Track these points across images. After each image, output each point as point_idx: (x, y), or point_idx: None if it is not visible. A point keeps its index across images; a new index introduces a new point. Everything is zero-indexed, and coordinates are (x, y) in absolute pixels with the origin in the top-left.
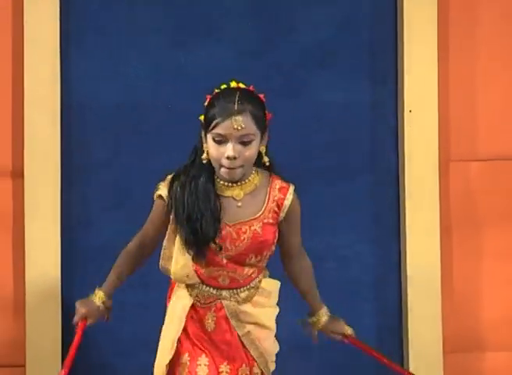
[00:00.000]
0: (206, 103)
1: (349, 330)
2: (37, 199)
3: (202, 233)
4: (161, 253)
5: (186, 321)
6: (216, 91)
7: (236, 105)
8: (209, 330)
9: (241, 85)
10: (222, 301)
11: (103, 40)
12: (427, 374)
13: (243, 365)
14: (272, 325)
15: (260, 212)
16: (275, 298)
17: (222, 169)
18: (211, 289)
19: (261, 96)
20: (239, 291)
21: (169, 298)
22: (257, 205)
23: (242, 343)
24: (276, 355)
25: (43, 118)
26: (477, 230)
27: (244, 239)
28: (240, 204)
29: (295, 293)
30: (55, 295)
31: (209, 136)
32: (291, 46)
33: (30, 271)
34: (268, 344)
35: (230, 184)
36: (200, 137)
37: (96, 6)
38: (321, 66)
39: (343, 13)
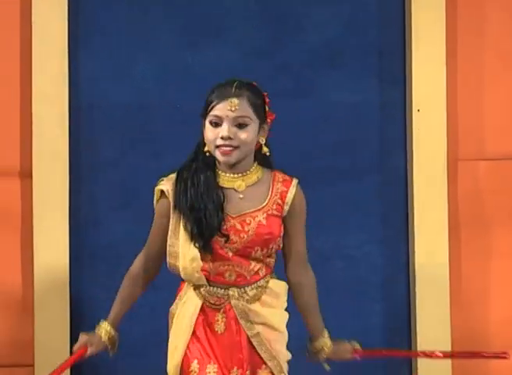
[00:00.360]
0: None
1: (355, 346)
2: (45, 199)
3: (206, 224)
4: (167, 251)
5: (196, 324)
6: None
7: (233, 89)
8: (219, 332)
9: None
10: (231, 301)
11: (111, 40)
12: None
13: (256, 368)
14: (282, 328)
15: (263, 204)
16: (283, 301)
17: (217, 152)
18: (219, 289)
19: (264, 94)
20: (247, 289)
21: (177, 300)
22: (260, 197)
23: (252, 345)
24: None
25: (51, 118)
26: (485, 229)
27: (249, 230)
28: (241, 196)
29: None
30: (63, 295)
31: (206, 121)
32: (299, 46)
33: (38, 270)
34: (280, 347)
35: (232, 175)
36: (202, 132)
37: (104, 7)
38: (330, 66)
39: (351, 13)
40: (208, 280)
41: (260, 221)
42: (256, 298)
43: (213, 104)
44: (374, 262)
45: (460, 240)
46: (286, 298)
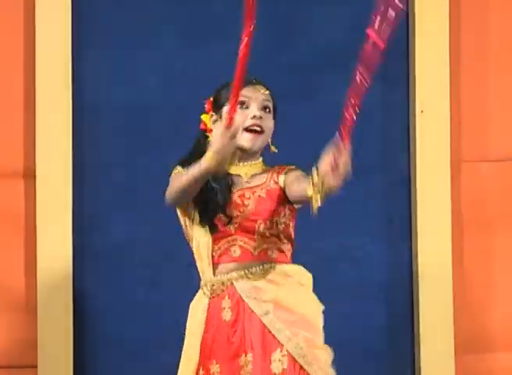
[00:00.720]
0: (213, 97)
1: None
2: (48, 200)
3: (212, 203)
4: (185, 232)
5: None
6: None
7: (253, 79)
8: (227, 320)
9: None
10: (234, 284)
11: (115, 41)
12: None
13: (271, 351)
14: (302, 310)
15: (262, 181)
16: (300, 284)
17: (246, 134)
18: (222, 276)
19: None
20: (250, 267)
21: None
22: (260, 179)
23: (264, 325)
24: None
25: (55, 119)
26: (488, 230)
27: (248, 204)
28: (246, 180)
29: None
30: (66, 296)
31: (229, 105)
32: (302, 48)
33: (41, 271)
34: (303, 331)
35: (239, 164)
36: (204, 135)
37: (108, 8)
38: (333, 68)
39: (354, 15)
40: (214, 263)
41: (259, 195)
42: (260, 276)
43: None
44: (377, 262)
45: (463, 241)
46: (306, 282)
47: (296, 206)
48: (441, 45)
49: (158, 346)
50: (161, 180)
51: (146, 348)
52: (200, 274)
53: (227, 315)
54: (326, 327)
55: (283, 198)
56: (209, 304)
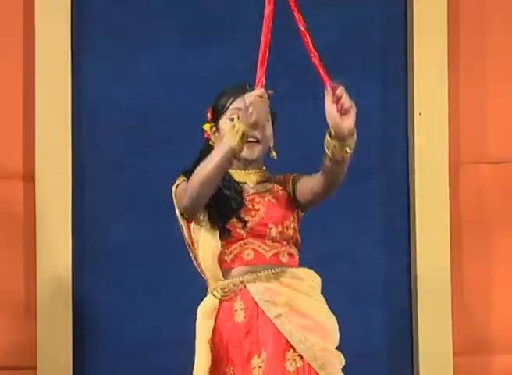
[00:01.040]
0: (212, 106)
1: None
2: (48, 202)
3: (227, 208)
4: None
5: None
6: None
7: (248, 87)
8: (239, 321)
9: None
10: (247, 286)
11: (114, 42)
12: None
13: (284, 351)
14: (316, 315)
15: (269, 188)
16: (311, 287)
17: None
18: (233, 279)
19: None
20: (266, 271)
21: None
22: (266, 186)
23: (277, 328)
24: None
25: (54, 121)
26: (487, 232)
27: (259, 209)
28: (252, 187)
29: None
30: (66, 298)
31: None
32: (302, 49)
33: (41, 274)
34: (315, 337)
35: (244, 171)
36: (208, 144)
37: (107, 9)
38: (332, 69)
39: (353, 16)
40: (226, 268)
41: (269, 200)
42: (273, 278)
43: (231, 99)
44: (376, 264)
45: (461, 243)
46: (316, 285)
47: (302, 213)
48: (439, 47)
49: (158, 348)
50: (160, 181)
51: (145, 349)
52: (208, 279)
53: (240, 316)
54: None
55: (292, 203)
56: (220, 307)
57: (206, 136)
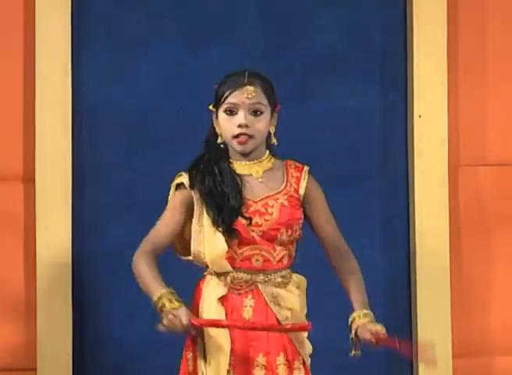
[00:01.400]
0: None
1: (378, 326)
2: (48, 203)
3: (227, 208)
4: (192, 238)
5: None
6: None
7: (246, 78)
8: (247, 318)
9: None
10: (259, 286)
11: (114, 44)
12: None
13: (281, 353)
14: (304, 319)
15: (283, 186)
16: (304, 294)
17: (234, 141)
18: (245, 274)
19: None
20: (272, 275)
21: (197, 298)
22: (277, 180)
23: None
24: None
25: (54, 122)
26: (486, 234)
27: (272, 213)
28: (260, 180)
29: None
30: (66, 298)
31: (220, 110)
32: (301, 51)
33: (41, 274)
34: (304, 337)
35: (247, 162)
36: (213, 126)
37: (107, 10)
38: (331, 72)
39: (353, 18)
40: (233, 267)
41: (282, 203)
42: (282, 285)
43: (227, 93)
44: (375, 266)
45: (461, 244)
46: (305, 291)
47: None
48: (439, 50)
49: (157, 349)
50: (161, 183)
51: (145, 350)
52: (210, 263)
53: (248, 313)
54: (325, 329)
55: (301, 206)
56: (228, 297)
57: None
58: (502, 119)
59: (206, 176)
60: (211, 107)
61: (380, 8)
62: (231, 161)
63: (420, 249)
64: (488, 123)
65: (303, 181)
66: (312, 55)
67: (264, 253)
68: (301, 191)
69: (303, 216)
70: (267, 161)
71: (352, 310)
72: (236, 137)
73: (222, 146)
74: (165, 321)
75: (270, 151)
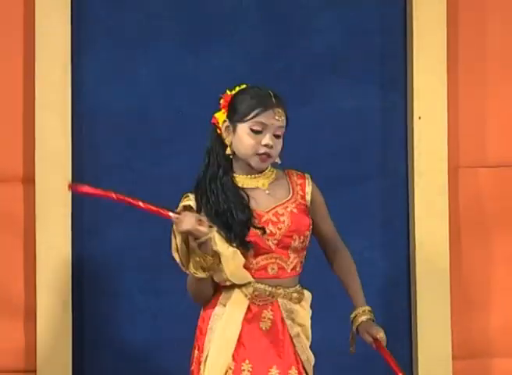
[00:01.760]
0: (231, 99)
1: (381, 333)
2: (48, 205)
3: (236, 223)
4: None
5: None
6: (239, 88)
7: (273, 99)
8: (264, 329)
9: None
10: (278, 300)
11: (114, 46)
12: None
13: (293, 367)
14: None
15: (290, 195)
16: (310, 310)
17: (256, 159)
18: (266, 286)
19: None
20: (291, 290)
21: (207, 310)
22: (283, 190)
23: (293, 345)
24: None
25: (54, 124)
26: (486, 235)
27: (284, 221)
28: (267, 191)
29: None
30: (65, 301)
31: (244, 126)
32: (301, 52)
33: (40, 277)
34: (310, 352)
35: (252, 176)
36: (218, 136)
37: (107, 12)
38: (332, 72)
39: (353, 19)
40: (252, 276)
41: (292, 210)
42: (298, 301)
43: (257, 111)
44: (375, 266)
45: (461, 246)
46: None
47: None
48: (439, 51)
49: (158, 350)
50: (161, 185)
51: (145, 352)
52: (230, 276)
53: (266, 325)
54: (325, 331)
55: (308, 212)
56: (250, 308)
57: (214, 121)
58: (502, 120)
59: (210, 195)
60: (221, 117)
61: (380, 9)
62: (234, 175)
63: (420, 250)
64: (488, 124)
65: (308, 187)
66: (312, 55)
67: (279, 261)
68: (308, 197)
69: (311, 222)
70: (270, 173)
71: (353, 307)
72: (259, 154)
73: (231, 157)
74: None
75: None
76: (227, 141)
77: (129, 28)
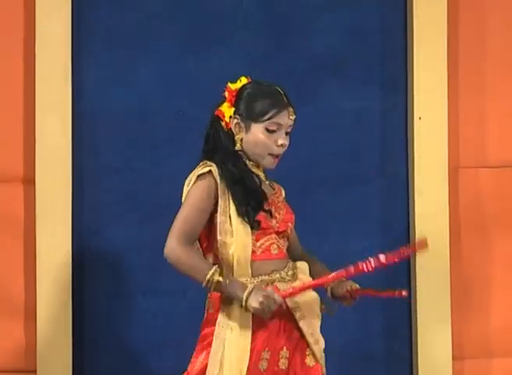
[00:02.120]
0: (238, 93)
1: (353, 285)
2: (48, 205)
3: (254, 199)
4: (218, 228)
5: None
6: (245, 83)
7: (285, 98)
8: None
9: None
10: (277, 284)
11: (114, 47)
12: None
13: (303, 352)
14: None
15: (276, 189)
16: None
17: (269, 158)
18: (264, 277)
19: None
20: (285, 271)
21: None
22: (272, 184)
23: (299, 330)
24: None
25: (54, 124)
26: (486, 236)
27: (282, 208)
28: (267, 182)
29: None
30: (66, 300)
31: (260, 126)
32: (301, 53)
33: (41, 277)
34: (319, 334)
35: (254, 165)
36: (225, 132)
37: (107, 13)
38: (332, 74)
39: (353, 21)
40: (255, 259)
41: (282, 201)
42: (295, 278)
43: (273, 112)
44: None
45: (461, 246)
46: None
47: None
48: (439, 52)
49: (158, 351)
50: (160, 185)
51: (145, 353)
52: (236, 251)
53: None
54: (325, 331)
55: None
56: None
57: (219, 114)
58: (502, 120)
59: (231, 167)
60: (228, 111)
61: (380, 10)
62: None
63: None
64: (488, 125)
65: (283, 191)
66: (312, 56)
67: (277, 242)
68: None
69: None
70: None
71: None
72: (273, 155)
73: (240, 152)
74: (255, 304)
75: None
76: (237, 138)
77: (129, 28)
